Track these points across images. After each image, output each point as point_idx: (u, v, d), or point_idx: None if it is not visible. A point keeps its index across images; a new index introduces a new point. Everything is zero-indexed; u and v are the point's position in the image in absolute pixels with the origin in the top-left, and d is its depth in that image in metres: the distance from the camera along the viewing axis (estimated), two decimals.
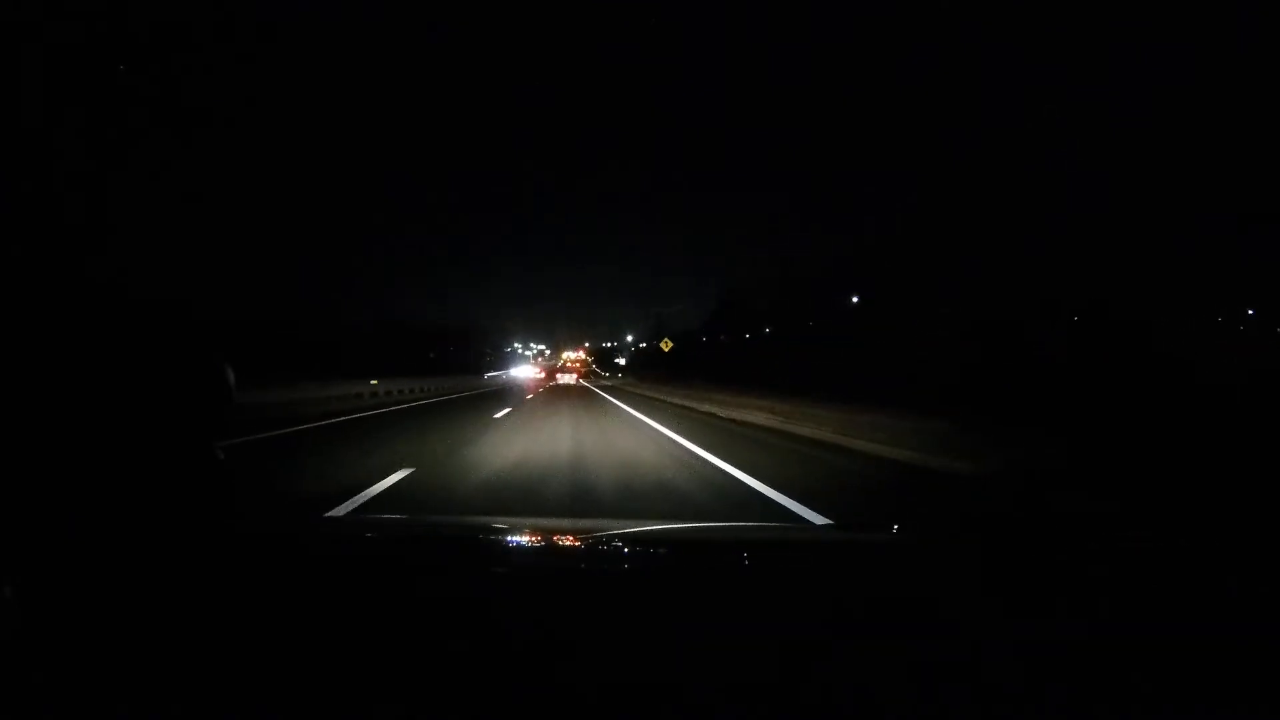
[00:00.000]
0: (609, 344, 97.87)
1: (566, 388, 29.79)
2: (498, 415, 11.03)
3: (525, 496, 4.12)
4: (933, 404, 9.14)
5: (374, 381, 17.02)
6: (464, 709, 0.64)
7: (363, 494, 4.04)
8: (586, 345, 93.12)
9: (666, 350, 33.66)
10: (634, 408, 13.43)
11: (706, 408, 12.74)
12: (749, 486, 4.50)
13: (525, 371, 61.39)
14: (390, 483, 4.42)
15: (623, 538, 1.42)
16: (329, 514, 3.31)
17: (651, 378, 33.59)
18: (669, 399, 16.67)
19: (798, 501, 3.92)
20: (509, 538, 1.46)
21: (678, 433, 8.06)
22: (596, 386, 31.57)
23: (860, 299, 31.63)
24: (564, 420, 10.05)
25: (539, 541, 1.36)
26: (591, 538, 1.41)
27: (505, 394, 21.64)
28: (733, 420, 10.36)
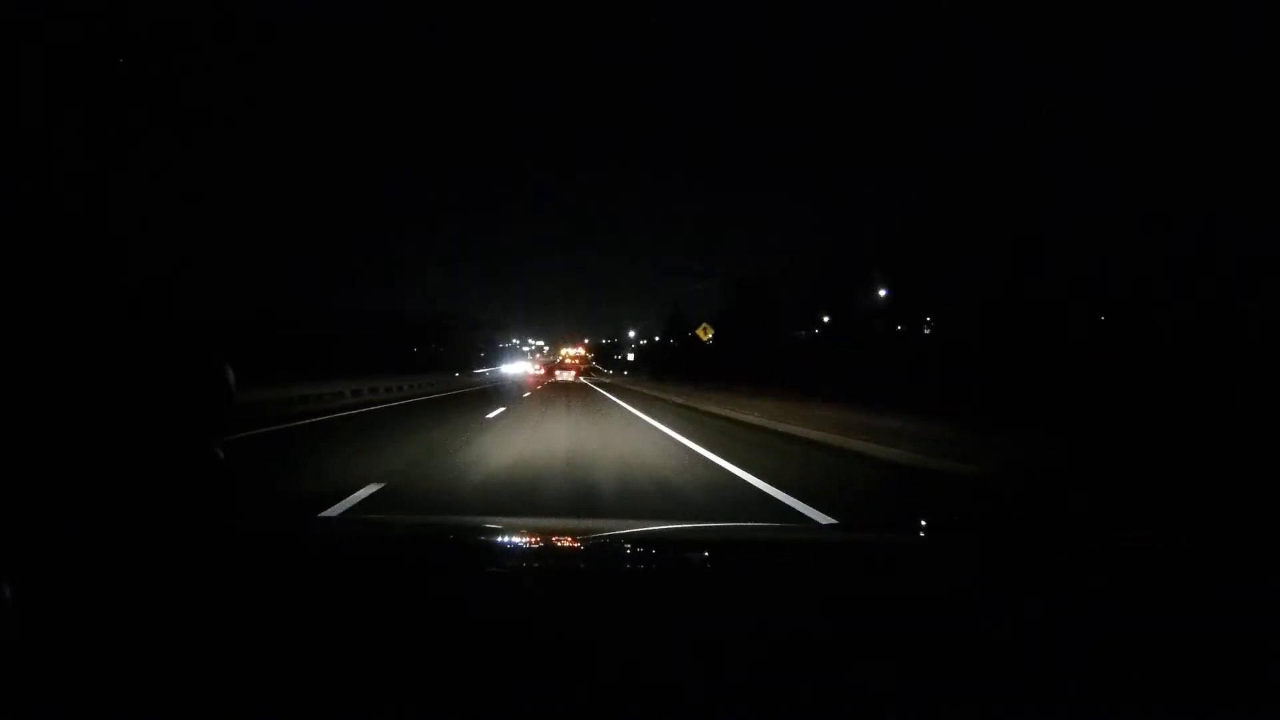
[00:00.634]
0: (608, 340, 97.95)
1: (567, 385, 28.97)
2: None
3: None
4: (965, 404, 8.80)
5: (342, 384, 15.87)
6: (464, 709, 0.64)
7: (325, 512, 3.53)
8: (586, 342, 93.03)
9: (707, 338, 24.91)
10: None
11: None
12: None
13: (518, 368, 58.10)
14: (353, 501, 3.96)
15: (624, 538, 1.42)
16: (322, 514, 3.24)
17: (688, 379, 23.31)
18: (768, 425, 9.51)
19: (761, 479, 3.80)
20: (509, 538, 1.46)
21: None
22: (599, 386, 29.00)
23: (882, 296, 30.56)
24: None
25: (540, 542, 1.36)
26: (592, 538, 1.41)
27: (484, 397, 17.78)
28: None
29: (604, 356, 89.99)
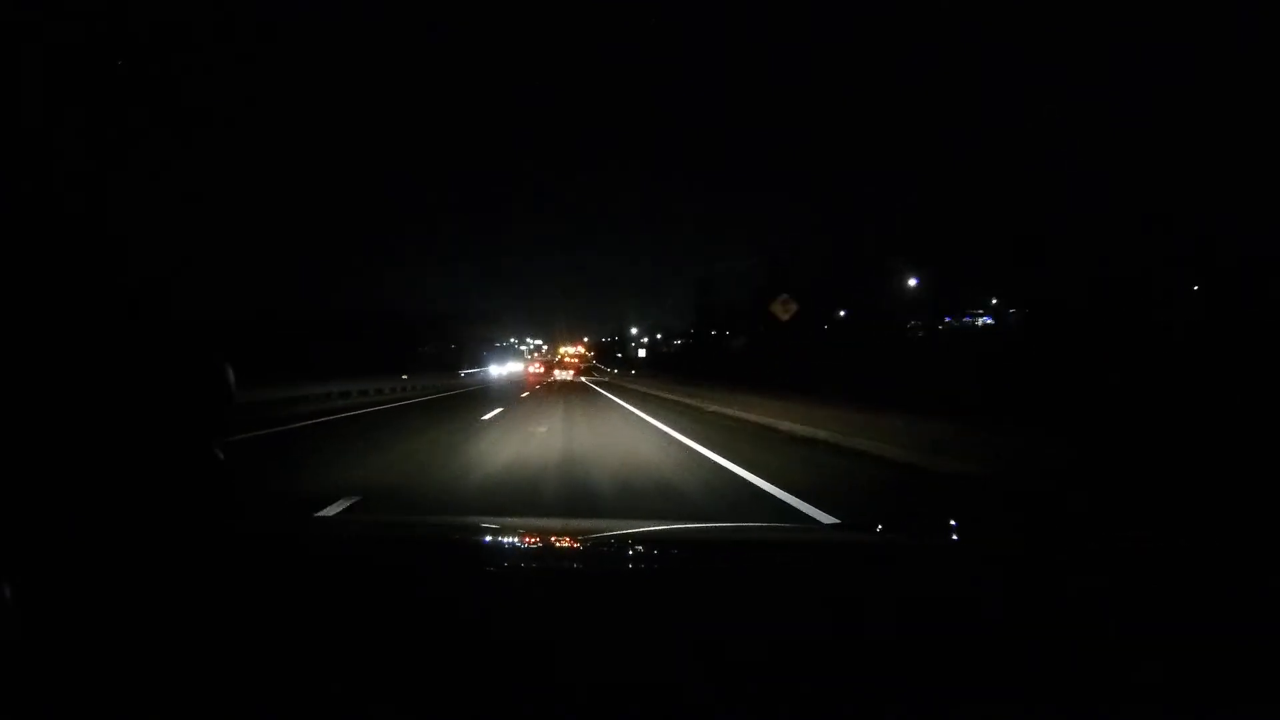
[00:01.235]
0: (608, 339, 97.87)
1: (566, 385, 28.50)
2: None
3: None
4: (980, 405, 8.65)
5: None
6: (464, 709, 0.64)
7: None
8: (585, 340, 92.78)
9: (787, 318, 15.76)
10: None
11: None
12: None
13: (510, 368, 52.90)
14: (353, 501, 3.81)
15: (624, 538, 1.42)
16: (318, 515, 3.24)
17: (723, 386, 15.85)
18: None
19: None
20: (508, 538, 1.46)
21: None
22: (600, 387, 28.14)
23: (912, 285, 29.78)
24: None
25: (539, 541, 1.36)
26: (592, 538, 1.41)
27: (470, 399, 16.99)
28: None
29: (604, 355, 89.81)
